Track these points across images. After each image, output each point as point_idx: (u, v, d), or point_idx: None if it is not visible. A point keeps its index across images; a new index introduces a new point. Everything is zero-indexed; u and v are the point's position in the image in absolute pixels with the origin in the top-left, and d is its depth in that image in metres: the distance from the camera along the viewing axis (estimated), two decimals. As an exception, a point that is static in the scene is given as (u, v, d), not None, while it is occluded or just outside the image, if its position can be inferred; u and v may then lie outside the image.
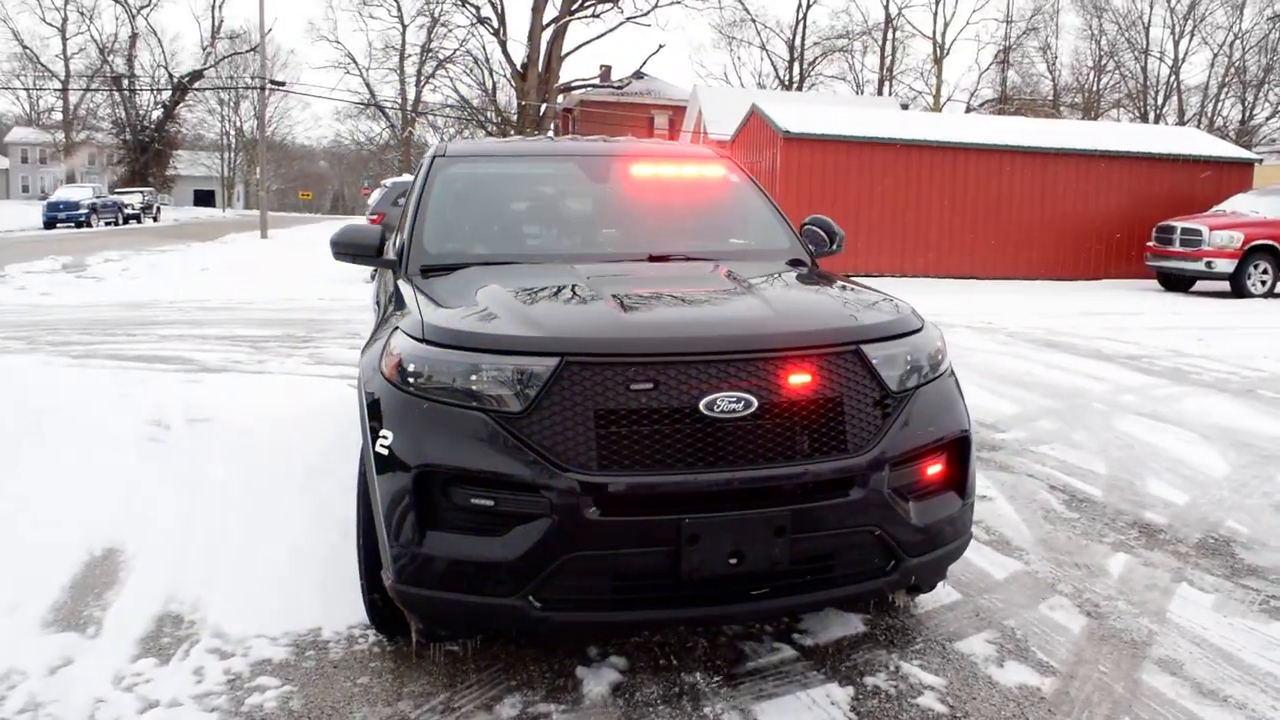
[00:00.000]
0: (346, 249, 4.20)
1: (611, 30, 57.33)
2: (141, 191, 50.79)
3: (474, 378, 2.88)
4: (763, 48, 76.29)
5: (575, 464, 2.77)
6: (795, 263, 4.21)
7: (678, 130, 48.08)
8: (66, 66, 68.98)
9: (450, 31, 54.22)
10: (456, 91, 55.78)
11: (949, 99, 57.43)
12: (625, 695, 3.05)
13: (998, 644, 3.39)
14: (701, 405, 2.81)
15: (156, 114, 65.96)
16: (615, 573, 2.84)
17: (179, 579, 3.92)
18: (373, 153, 71.28)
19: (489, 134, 48.80)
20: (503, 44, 49.36)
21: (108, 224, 42.07)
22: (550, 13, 46.63)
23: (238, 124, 78.51)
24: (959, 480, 3.23)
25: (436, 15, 52.74)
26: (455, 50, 54.35)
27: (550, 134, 45.44)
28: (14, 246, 26.61)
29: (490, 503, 2.82)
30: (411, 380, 2.97)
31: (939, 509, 3.15)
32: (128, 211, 45.46)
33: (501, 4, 49.30)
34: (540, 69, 46.78)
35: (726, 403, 2.82)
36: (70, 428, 6.17)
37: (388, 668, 3.24)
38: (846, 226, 18.29)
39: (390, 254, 4.27)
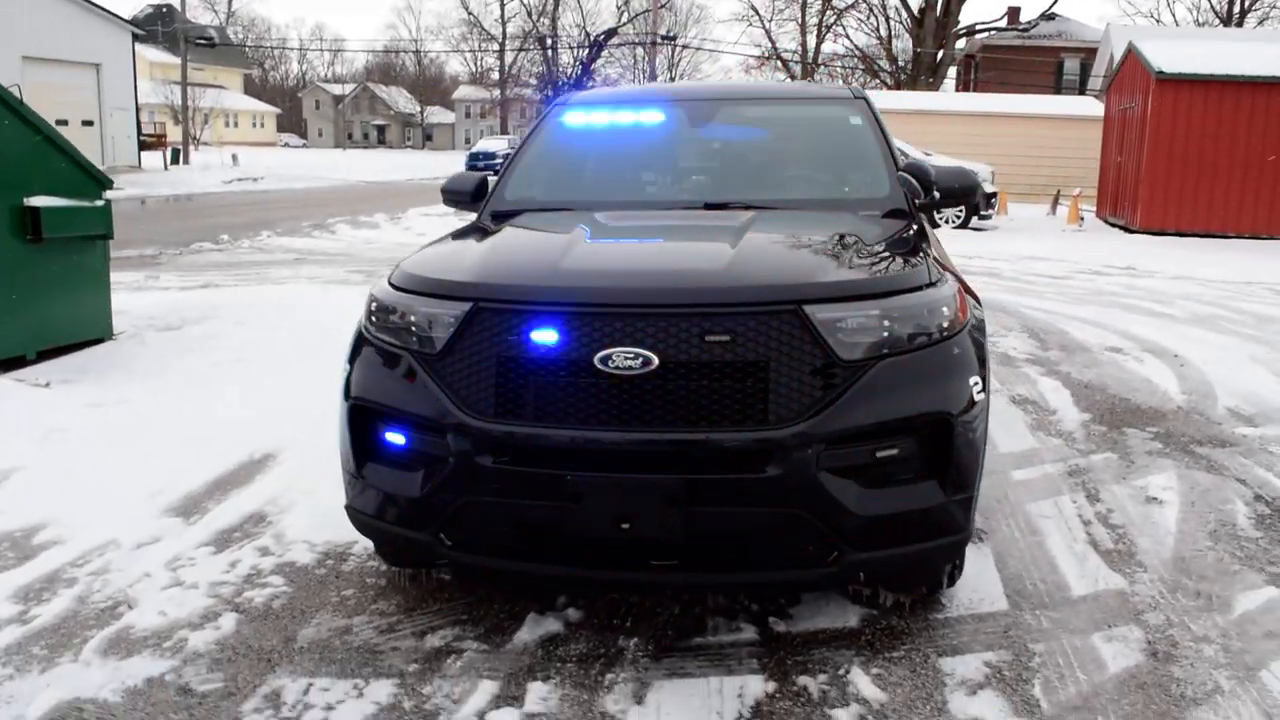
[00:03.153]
0: (451, 195, 4.40)
1: (1021, -34, 52.91)
2: (553, 143, 55.29)
3: (411, 319, 2.96)
4: (1203, -22, 66.43)
5: (475, 410, 2.77)
6: (894, 214, 3.79)
7: (1089, 75, 43.61)
8: (504, 29, 76.95)
9: (850, -23, 52.96)
10: (850, 40, 54.67)
11: None
12: (548, 647, 3.00)
13: (995, 669, 2.89)
14: (596, 360, 2.67)
15: (576, 71, 71.49)
16: (514, 522, 2.81)
17: (293, 485, 4.40)
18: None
19: (885, 85, 47.31)
20: (900, -12, 47.48)
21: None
22: (951, -48, 44.02)
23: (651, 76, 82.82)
24: (940, 468, 2.78)
25: (837, -37, 51.80)
26: (854, -1, 53.14)
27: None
28: (428, 192, 30.29)
29: (402, 440, 2.91)
30: (373, 320, 3.12)
31: (905, 500, 2.75)
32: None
33: (900, -53, 47.31)
34: (939, 13, 44.42)
35: (622, 359, 2.66)
36: (338, 349, 7.04)
37: (378, 586, 3.45)
38: (1232, 181, 15.94)
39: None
